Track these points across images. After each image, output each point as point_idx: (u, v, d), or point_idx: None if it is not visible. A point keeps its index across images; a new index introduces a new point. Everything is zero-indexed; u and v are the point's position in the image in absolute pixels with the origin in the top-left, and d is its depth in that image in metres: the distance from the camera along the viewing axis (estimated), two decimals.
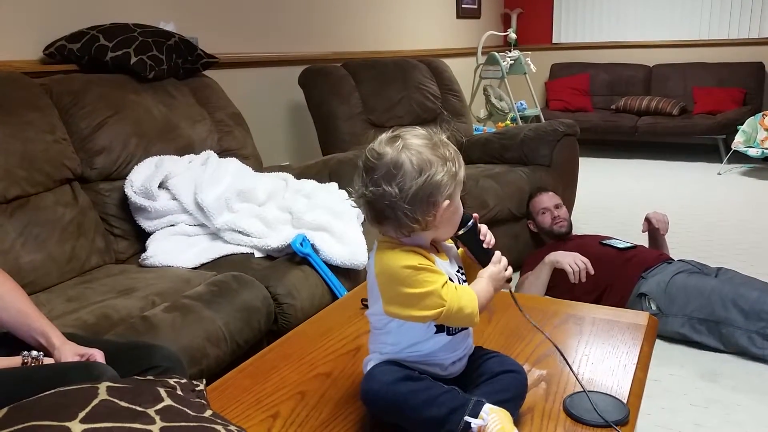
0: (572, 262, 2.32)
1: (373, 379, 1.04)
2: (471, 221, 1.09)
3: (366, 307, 1.42)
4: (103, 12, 2.54)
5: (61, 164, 2.02)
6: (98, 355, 1.21)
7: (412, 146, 1.00)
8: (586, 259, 2.33)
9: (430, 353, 1.07)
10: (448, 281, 1.03)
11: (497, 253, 1.11)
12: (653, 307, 2.30)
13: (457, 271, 1.11)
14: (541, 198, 2.85)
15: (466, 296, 1.02)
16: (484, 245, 1.10)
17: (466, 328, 1.11)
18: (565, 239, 2.72)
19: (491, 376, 1.08)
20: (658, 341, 1.90)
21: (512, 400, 1.06)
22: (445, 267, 1.07)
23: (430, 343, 1.06)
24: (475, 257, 1.12)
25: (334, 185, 2.38)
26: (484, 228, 1.11)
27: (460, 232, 1.09)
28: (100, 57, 2.30)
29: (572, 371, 1.18)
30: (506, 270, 1.10)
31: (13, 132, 1.89)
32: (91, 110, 2.15)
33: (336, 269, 2.03)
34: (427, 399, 1.00)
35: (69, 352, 1.21)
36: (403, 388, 1.01)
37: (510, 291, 1.13)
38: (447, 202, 1.01)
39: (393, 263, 1.01)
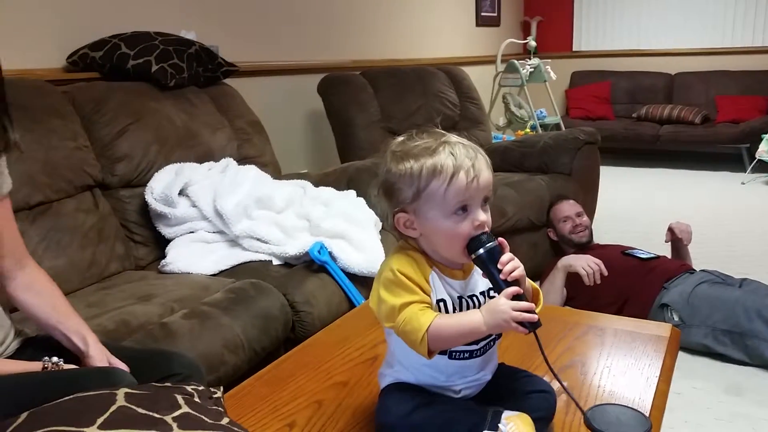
0: (585, 264, 2.30)
1: (388, 412, 1.01)
2: (482, 249, 0.93)
3: None
4: (124, 20, 2.57)
5: (82, 171, 2.04)
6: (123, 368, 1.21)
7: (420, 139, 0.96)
8: (599, 261, 2.31)
9: (427, 368, 1.01)
10: (415, 303, 0.93)
11: (512, 288, 0.92)
12: (676, 318, 2.26)
13: (482, 293, 1.01)
14: (562, 206, 2.83)
15: (413, 324, 0.92)
16: (501, 276, 0.93)
17: (475, 356, 1.02)
18: (586, 248, 2.69)
19: (521, 395, 1.04)
20: (680, 353, 1.87)
21: (541, 420, 1.03)
22: (449, 287, 0.98)
23: (423, 359, 0.97)
24: (494, 288, 0.96)
25: (352, 193, 2.38)
26: (506, 257, 0.94)
27: (472, 257, 0.95)
28: (121, 65, 2.33)
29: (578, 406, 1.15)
30: (513, 309, 0.90)
31: (36, 139, 1.92)
32: (112, 118, 2.18)
33: (353, 277, 2.02)
34: (444, 423, 0.97)
35: (99, 354, 1.21)
36: (418, 418, 0.97)
37: (535, 334, 0.93)
38: (403, 215, 0.95)
39: (388, 261, 0.98)
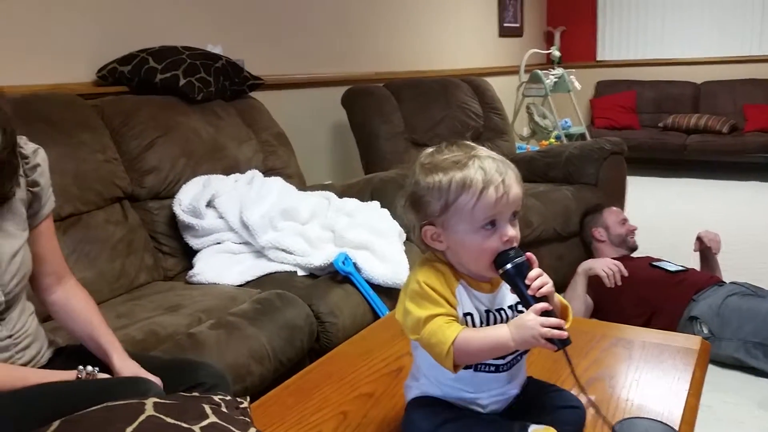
0: (604, 266, 2.30)
1: (414, 427, 1.01)
2: (509, 264, 0.92)
3: None
4: (153, 35, 2.62)
5: (112, 183, 2.08)
6: (155, 381, 1.21)
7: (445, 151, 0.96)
8: (618, 262, 2.31)
9: (452, 381, 1.00)
10: (441, 315, 0.93)
11: (541, 304, 0.91)
12: (705, 331, 2.23)
13: (510, 307, 1.00)
14: (616, 209, 2.85)
15: (439, 336, 0.91)
16: (529, 292, 0.92)
17: (501, 370, 1.01)
18: (622, 258, 2.67)
19: (550, 410, 1.03)
20: (711, 366, 1.82)
21: None
22: (476, 301, 0.98)
23: (448, 372, 0.97)
24: (522, 303, 0.95)
25: (376, 204, 2.38)
26: (534, 273, 0.93)
27: (500, 272, 0.94)
28: (149, 79, 2.37)
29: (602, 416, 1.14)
30: (542, 325, 0.89)
31: (67, 152, 1.96)
32: (141, 131, 2.22)
33: (378, 288, 2.02)
34: None
35: (127, 371, 1.22)
36: None
37: (564, 351, 0.92)
38: (430, 228, 0.95)
39: (414, 273, 0.98)
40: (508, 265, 0.93)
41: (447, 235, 0.95)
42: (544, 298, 0.92)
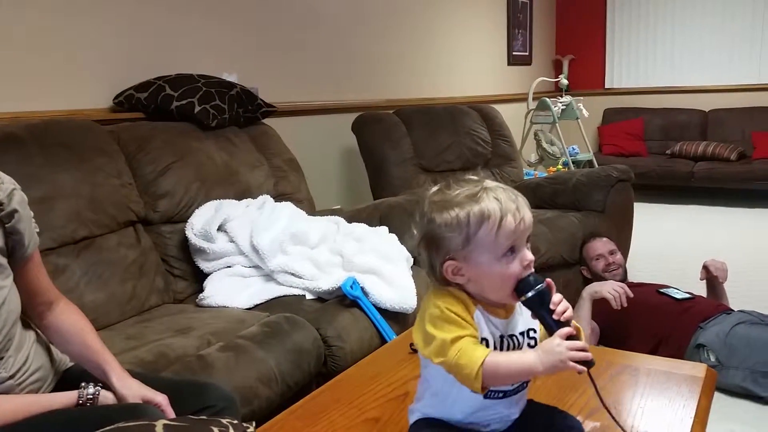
0: (611, 289, 2.29)
1: None
2: (532, 292, 0.95)
3: (415, 351, 1.42)
4: (169, 63, 2.68)
5: (126, 207, 2.11)
6: (161, 399, 1.21)
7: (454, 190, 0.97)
8: (623, 284, 2.31)
9: (460, 403, 1.02)
10: (466, 337, 0.94)
11: (566, 329, 0.94)
12: (712, 359, 2.22)
13: (521, 333, 1.02)
14: (594, 244, 2.81)
15: (468, 356, 0.92)
16: (554, 316, 0.95)
17: (509, 395, 1.02)
18: (633, 282, 2.67)
19: (549, 431, 1.04)
20: (718, 395, 1.83)
21: None
22: (492, 326, 0.99)
23: (464, 394, 0.98)
24: (545, 328, 0.98)
25: (385, 229, 2.41)
26: (557, 298, 0.96)
27: (522, 299, 0.96)
28: (165, 106, 2.42)
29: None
30: (569, 348, 0.91)
31: (83, 177, 2.00)
32: (156, 156, 2.26)
33: (385, 312, 2.04)
34: None
35: (130, 392, 1.21)
36: None
37: (589, 374, 0.94)
38: (451, 263, 0.96)
39: (430, 299, 0.99)
40: (531, 293, 0.95)
41: (469, 268, 0.96)
42: (567, 323, 0.95)
